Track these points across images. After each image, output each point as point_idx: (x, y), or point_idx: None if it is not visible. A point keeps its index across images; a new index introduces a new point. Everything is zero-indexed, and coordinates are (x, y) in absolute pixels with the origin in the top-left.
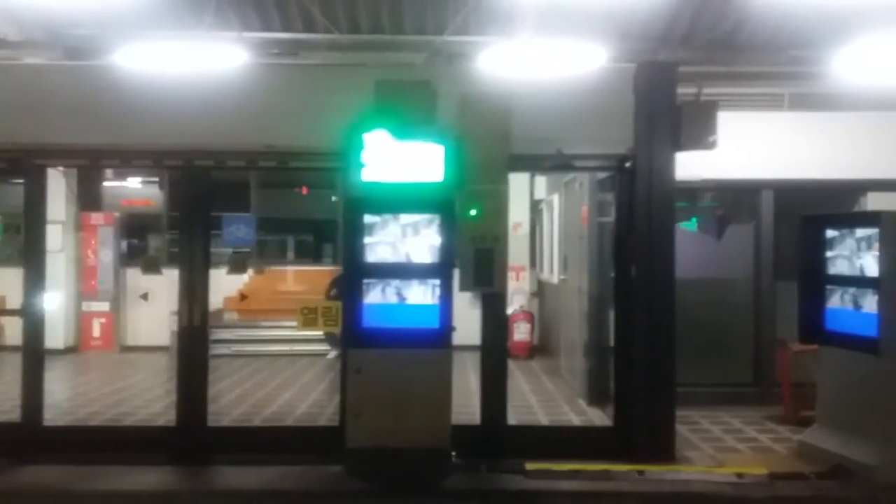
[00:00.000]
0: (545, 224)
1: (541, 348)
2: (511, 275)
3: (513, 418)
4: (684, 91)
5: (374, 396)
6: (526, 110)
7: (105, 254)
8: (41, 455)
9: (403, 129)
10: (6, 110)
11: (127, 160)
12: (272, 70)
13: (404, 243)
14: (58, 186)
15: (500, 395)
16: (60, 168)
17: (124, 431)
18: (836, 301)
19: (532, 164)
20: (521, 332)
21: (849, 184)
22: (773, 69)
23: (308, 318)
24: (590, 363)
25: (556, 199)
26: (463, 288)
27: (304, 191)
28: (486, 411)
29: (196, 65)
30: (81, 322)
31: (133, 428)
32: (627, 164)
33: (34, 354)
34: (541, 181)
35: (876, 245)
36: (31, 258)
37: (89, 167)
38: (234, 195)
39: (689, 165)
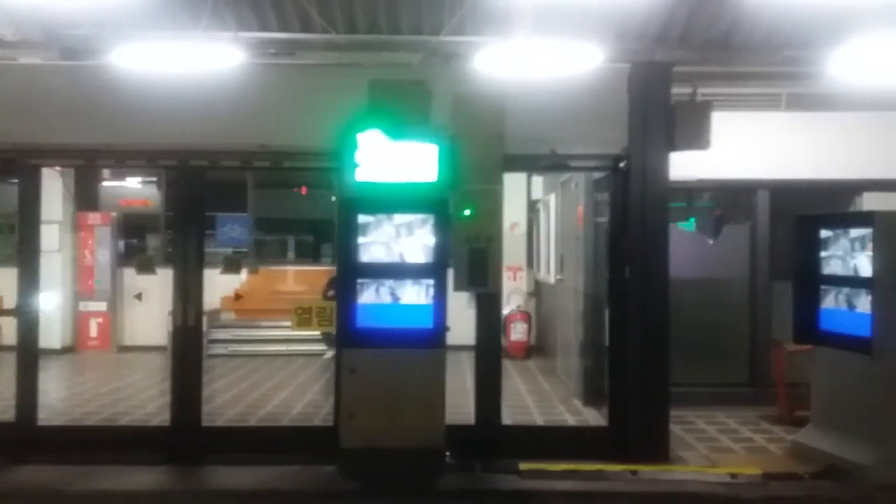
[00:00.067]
0: (542, 224)
1: (538, 348)
2: (508, 275)
3: (508, 418)
4: (680, 91)
5: (368, 396)
6: (521, 110)
7: (102, 254)
8: (35, 455)
9: (397, 129)
10: (1, 110)
11: (122, 160)
12: (267, 70)
13: (398, 243)
14: (55, 186)
15: (495, 395)
16: (57, 168)
17: (118, 431)
18: (831, 301)
19: (527, 164)
20: (518, 332)
21: (844, 184)
22: (770, 69)
23: (302, 318)
24: (585, 363)
25: (552, 199)
26: (457, 288)
27: (304, 191)
28: (481, 411)
29: (191, 65)
30: (78, 322)
31: (127, 428)
32: (622, 164)
33: (29, 354)
34: (538, 181)
35: (870, 245)
36: (26, 258)
37: (84, 167)
38: (233, 195)
39: (686, 165)
